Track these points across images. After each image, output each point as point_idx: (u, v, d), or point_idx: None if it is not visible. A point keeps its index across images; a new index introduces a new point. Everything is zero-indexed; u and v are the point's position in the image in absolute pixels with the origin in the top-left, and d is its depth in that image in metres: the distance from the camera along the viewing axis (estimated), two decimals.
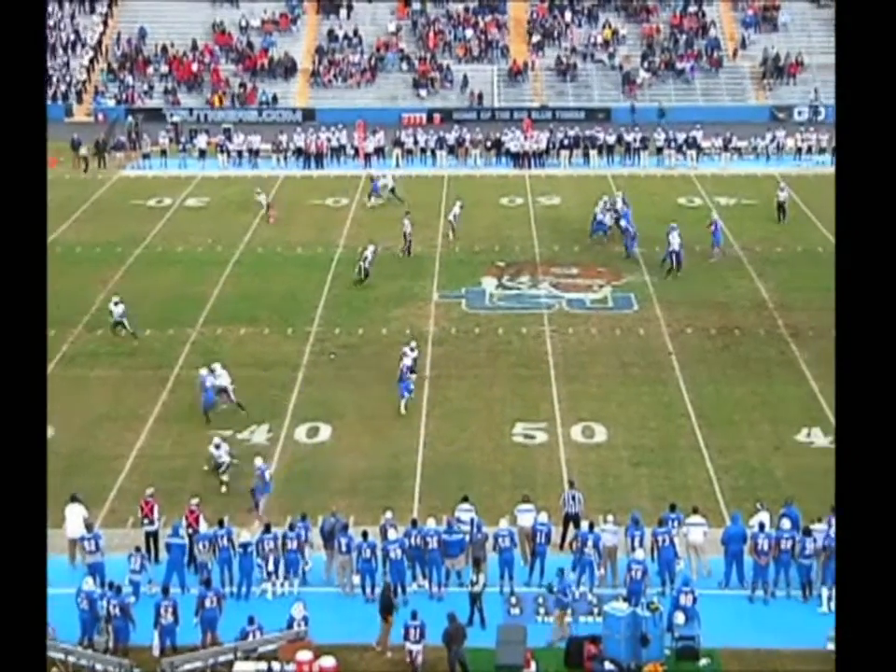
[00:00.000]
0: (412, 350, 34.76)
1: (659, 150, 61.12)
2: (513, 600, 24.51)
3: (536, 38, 76.82)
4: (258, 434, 31.97)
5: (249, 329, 39.35)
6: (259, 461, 28.56)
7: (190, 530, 25.55)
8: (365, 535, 24.97)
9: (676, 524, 25.54)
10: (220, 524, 25.61)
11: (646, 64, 74.73)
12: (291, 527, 25.45)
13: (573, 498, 26.74)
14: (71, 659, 22.46)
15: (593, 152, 60.92)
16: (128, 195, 56.07)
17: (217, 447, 29.56)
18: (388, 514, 25.79)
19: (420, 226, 48.22)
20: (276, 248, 48.05)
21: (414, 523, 25.59)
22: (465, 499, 26.44)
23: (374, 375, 35.42)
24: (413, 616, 22.65)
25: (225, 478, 29.23)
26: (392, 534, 24.90)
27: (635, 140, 61.35)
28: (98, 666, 22.33)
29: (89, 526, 25.52)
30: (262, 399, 33.88)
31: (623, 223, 47.11)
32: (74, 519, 25.94)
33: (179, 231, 50.42)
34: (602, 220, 48.13)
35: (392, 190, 53.98)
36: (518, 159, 60.89)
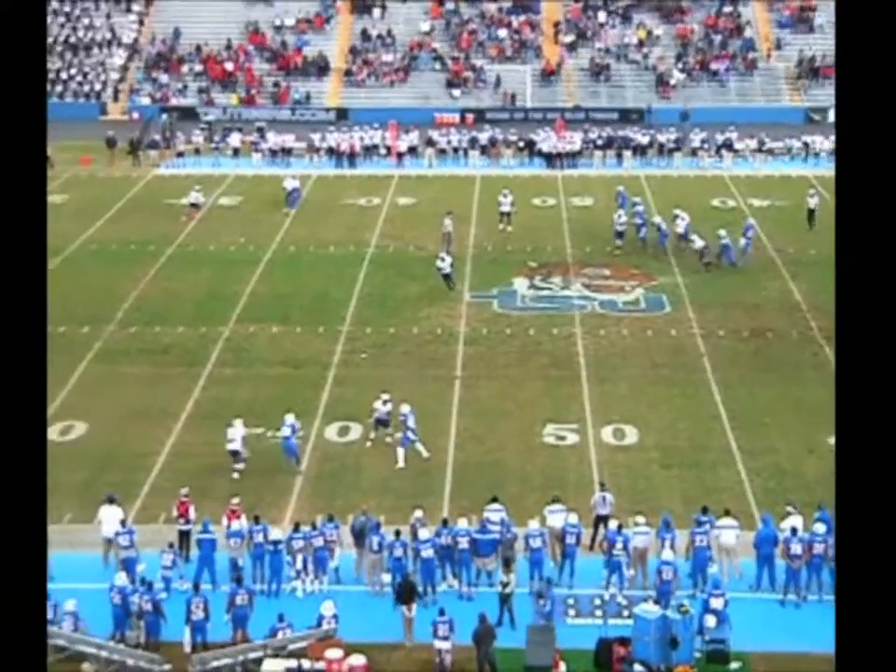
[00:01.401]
0: (384, 404, 31.55)
1: (694, 152, 60.92)
2: (542, 601, 24.47)
3: (569, 39, 76.74)
4: (284, 431, 31.94)
5: (281, 328, 39.48)
6: (289, 418, 30.01)
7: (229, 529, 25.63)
8: (398, 533, 25.03)
9: (707, 526, 25.46)
10: (256, 520, 25.68)
11: (680, 65, 74.53)
12: (314, 526, 25.54)
13: (604, 500, 26.72)
14: (103, 654, 22.65)
15: (626, 153, 60.82)
16: (161, 193, 56.32)
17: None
18: (418, 513, 25.83)
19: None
20: (308, 247, 48.18)
21: (445, 522, 25.64)
22: (494, 499, 26.46)
23: (405, 374, 35.49)
24: (441, 613, 22.71)
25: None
26: (423, 533, 24.94)
27: (668, 141, 61.20)
28: (130, 661, 22.51)
29: (122, 522, 25.68)
30: (293, 398, 33.95)
31: (663, 225, 46.70)
32: (110, 520, 26.00)
33: (212, 230, 50.62)
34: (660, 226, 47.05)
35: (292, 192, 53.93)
36: (550, 159, 60.86)
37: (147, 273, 44.96)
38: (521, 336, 38.83)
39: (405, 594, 23.56)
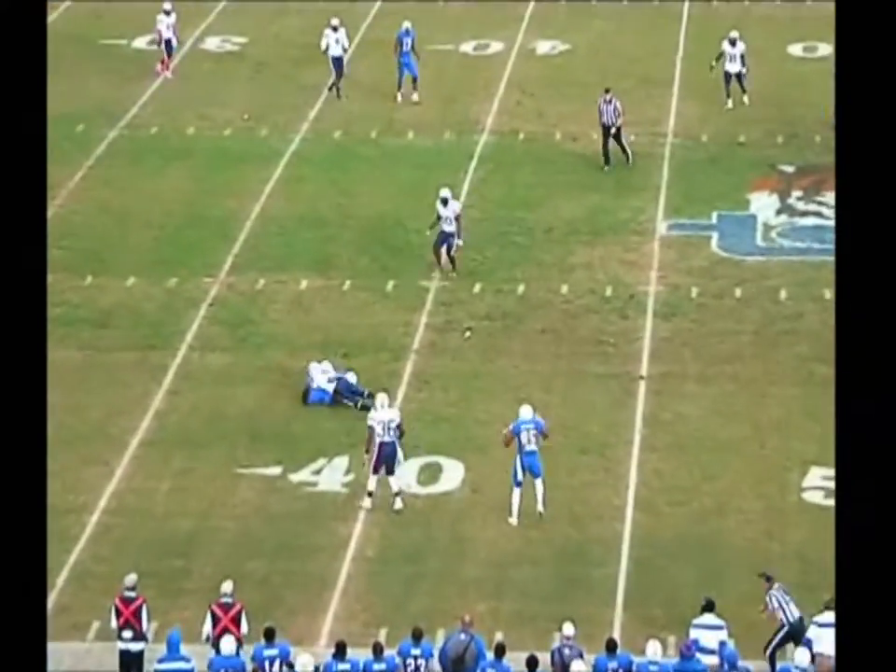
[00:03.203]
0: (382, 406, 32.04)
1: None
2: None
3: None
4: (327, 474, 32.38)
5: (316, 281, 39.88)
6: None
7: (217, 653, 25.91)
8: (532, 664, 25.11)
9: None
10: (268, 636, 25.84)
11: None
12: (376, 651, 25.59)
13: None
14: None
15: None
16: (96, 29, 57.13)
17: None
18: (568, 629, 25.83)
19: (634, 101, 48.04)
20: (369, 133, 48.57)
21: (613, 647, 25.62)
22: (709, 607, 26.45)
23: (545, 370, 35.78)
24: None
25: None
26: (577, 667, 24.95)
27: None
28: None
29: None
30: (338, 410, 34.17)
31: None
32: None
33: (191, 98, 51.31)
34: None
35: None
36: None
37: (72, 177, 45.67)
38: (762, 301, 38.83)
39: None
